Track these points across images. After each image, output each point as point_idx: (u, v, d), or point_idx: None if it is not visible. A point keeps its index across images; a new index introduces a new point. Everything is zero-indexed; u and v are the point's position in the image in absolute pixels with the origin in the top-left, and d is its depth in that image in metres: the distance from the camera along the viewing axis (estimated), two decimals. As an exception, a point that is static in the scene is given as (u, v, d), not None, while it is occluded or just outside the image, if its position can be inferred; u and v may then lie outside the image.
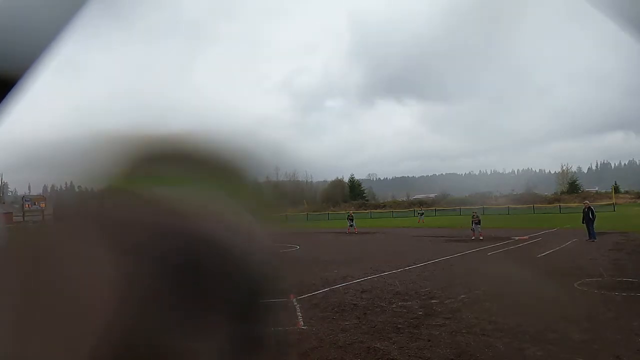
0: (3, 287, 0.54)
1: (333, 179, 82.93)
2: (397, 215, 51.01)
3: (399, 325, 5.41)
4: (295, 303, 6.46)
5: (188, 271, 0.57)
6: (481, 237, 16.61)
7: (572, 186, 69.92)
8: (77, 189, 0.61)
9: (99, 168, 0.59)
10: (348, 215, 26.19)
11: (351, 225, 24.40)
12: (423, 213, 37.88)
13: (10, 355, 0.50)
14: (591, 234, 14.75)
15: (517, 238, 16.47)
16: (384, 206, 68.65)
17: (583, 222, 15.30)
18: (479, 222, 17.30)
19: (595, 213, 15.18)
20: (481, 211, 27.84)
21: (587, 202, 17.01)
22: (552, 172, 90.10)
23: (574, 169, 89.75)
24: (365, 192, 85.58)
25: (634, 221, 21.70)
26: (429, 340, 4.80)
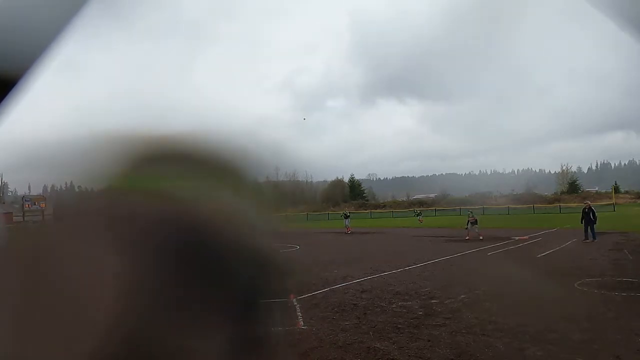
0: (3, 287, 0.54)
1: (333, 179, 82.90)
2: (397, 215, 50.99)
3: (399, 325, 5.41)
4: (295, 303, 6.46)
5: (190, 271, 0.57)
6: (481, 237, 16.58)
7: (572, 186, 69.87)
8: (77, 189, 0.61)
9: (99, 168, 0.59)
10: (345, 214, 26.03)
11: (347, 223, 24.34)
12: (420, 213, 37.52)
13: (10, 355, 0.50)
14: (588, 235, 14.63)
15: (517, 238, 16.46)
16: (384, 206, 68.61)
17: (582, 222, 15.24)
18: (475, 222, 17.15)
19: (596, 214, 15.08)
20: (481, 211, 27.81)
21: (588, 202, 16.90)
22: (552, 172, 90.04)
23: (574, 169, 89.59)
24: (365, 192, 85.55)
25: (634, 221, 21.69)
26: (429, 340, 4.80)
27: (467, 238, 16.82)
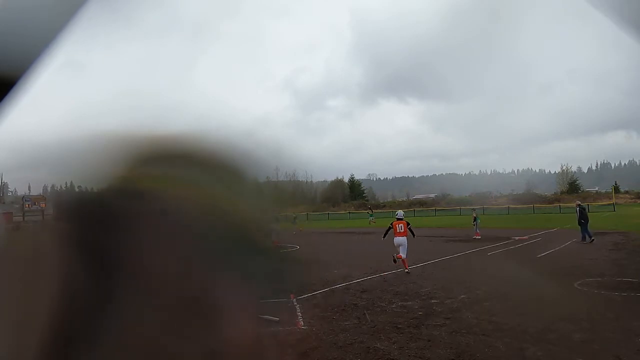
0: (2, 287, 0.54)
1: (333, 179, 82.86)
2: (397, 215, 50.90)
3: (399, 325, 5.41)
4: (295, 303, 6.46)
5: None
6: (479, 237, 16.74)
7: (572, 186, 69.88)
8: (77, 189, 0.61)
9: (99, 168, 0.59)
10: (294, 217, 25.73)
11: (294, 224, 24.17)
12: (372, 214, 37.22)
13: (10, 355, 0.50)
14: (585, 236, 14.18)
15: (517, 238, 16.46)
16: (384, 206, 68.67)
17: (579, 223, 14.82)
18: (474, 220, 17.82)
19: (580, 213, 14.58)
20: (481, 211, 27.83)
21: (578, 201, 16.52)
22: (552, 172, 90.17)
23: (574, 169, 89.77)
24: (365, 192, 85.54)
25: (634, 221, 21.68)
26: (429, 340, 4.80)
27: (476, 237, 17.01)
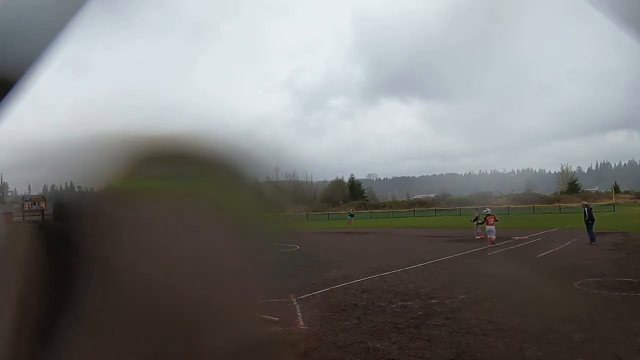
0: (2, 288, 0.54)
1: (333, 179, 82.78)
2: (397, 215, 50.98)
3: (399, 325, 5.41)
4: (295, 303, 6.46)
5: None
6: (479, 237, 16.66)
7: (572, 186, 69.85)
8: (77, 189, 0.61)
9: (99, 168, 0.59)
10: None
11: None
12: (353, 215, 37.38)
13: (10, 356, 0.50)
14: (590, 237, 13.95)
15: (517, 238, 16.45)
16: (384, 206, 68.67)
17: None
18: (475, 220, 17.48)
19: (587, 214, 14.33)
20: (481, 211, 27.84)
21: (585, 202, 16.28)
22: (552, 172, 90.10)
23: (574, 169, 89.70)
24: (365, 192, 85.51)
25: (634, 221, 21.69)
26: (429, 340, 4.80)
27: (480, 237, 16.61)
